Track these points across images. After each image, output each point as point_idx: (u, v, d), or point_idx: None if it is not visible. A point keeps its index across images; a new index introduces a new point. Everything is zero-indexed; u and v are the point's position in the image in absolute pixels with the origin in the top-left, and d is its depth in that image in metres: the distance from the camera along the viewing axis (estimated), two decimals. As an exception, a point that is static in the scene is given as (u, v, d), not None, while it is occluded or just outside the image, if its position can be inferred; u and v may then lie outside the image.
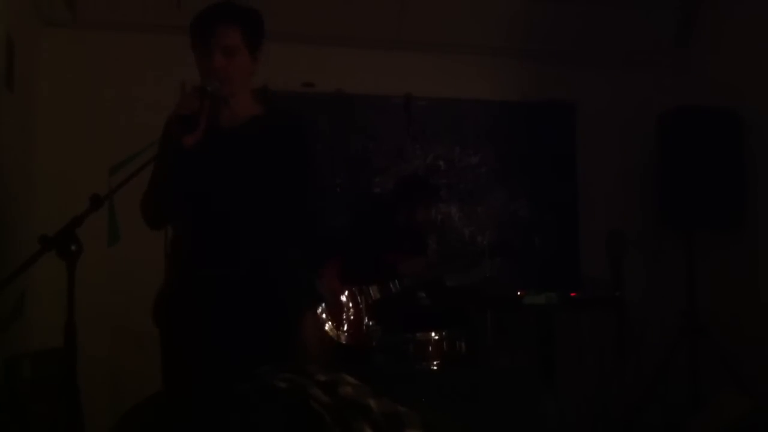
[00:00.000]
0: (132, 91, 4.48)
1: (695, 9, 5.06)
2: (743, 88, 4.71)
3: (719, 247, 4.81)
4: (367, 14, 4.75)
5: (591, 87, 5.15)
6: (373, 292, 3.92)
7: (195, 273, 2.51)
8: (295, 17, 4.53)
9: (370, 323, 3.63)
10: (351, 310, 3.80)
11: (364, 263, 3.91)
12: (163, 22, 4.34)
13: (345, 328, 3.76)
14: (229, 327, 2.46)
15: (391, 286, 3.96)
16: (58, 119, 4.42)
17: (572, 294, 4.30)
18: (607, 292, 4.62)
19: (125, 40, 4.52)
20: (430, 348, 3.49)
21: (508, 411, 3.46)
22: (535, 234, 5.05)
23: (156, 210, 2.56)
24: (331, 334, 3.76)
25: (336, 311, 3.83)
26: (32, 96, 4.31)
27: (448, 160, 5.02)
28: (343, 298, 3.87)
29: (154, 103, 3.89)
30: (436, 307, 4.10)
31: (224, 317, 2.47)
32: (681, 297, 4.67)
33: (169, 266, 2.67)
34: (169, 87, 4.16)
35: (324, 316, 3.71)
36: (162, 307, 2.58)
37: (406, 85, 4.93)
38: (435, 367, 3.46)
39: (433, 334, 3.51)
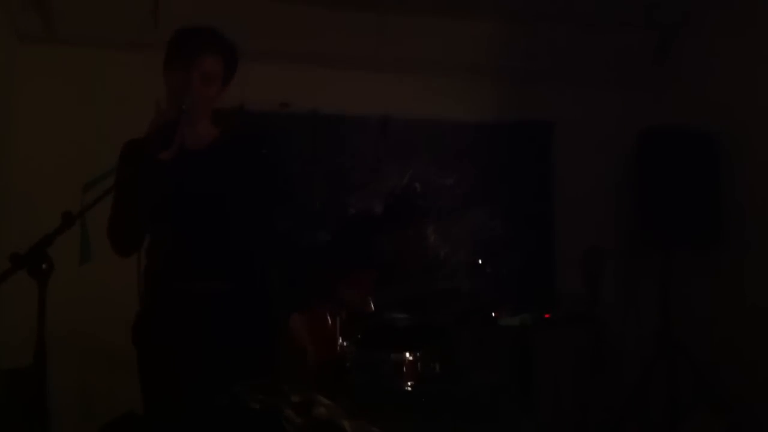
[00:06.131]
0: (107, 107, 4.45)
1: (674, 30, 5.12)
2: (720, 109, 4.77)
3: (696, 266, 4.84)
4: (345, 34, 4.76)
5: (569, 106, 5.18)
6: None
7: (174, 288, 2.54)
8: (272, 37, 4.53)
9: (345, 343, 3.59)
10: (325, 328, 3.76)
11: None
12: (141, 40, 4.33)
13: (319, 347, 3.71)
14: (209, 342, 2.47)
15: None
16: (32, 135, 4.38)
17: (546, 315, 4.31)
18: (582, 310, 4.64)
19: (101, 57, 4.49)
20: (405, 368, 3.46)
21: (485, 429, 3.45)
22: (512, 252, 5.07)
23: (126, 234, 2.56)
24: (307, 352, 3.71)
25: (311, 329, 3.78)
26: (6, 111, 4.27)
27: (425, 179, 5.03)
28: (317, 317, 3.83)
29: (129, 120, 3.86)
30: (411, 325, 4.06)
31: (203, 332, 2.48)
32: (658, 314, 4.69)
33: (146, 284, 2.67)
34: (144, 105, 4.14)
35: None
36: (142, 327, 2.60)
37: (384, 105, 4.94)
38: (409, 388, 3.43)
39: (407, 354, 3.49)
